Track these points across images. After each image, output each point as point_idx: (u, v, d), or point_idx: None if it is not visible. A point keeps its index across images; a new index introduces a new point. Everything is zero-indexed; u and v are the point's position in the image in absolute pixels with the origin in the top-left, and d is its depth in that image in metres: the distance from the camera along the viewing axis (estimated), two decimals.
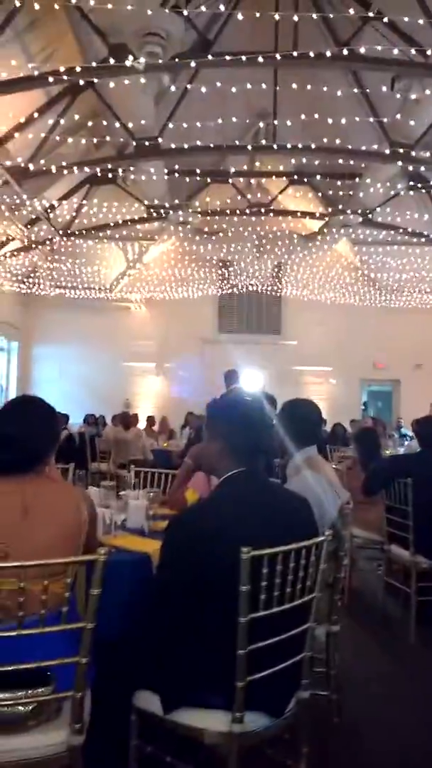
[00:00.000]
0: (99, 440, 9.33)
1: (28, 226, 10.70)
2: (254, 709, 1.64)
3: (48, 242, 11.69)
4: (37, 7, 5.74)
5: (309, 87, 6.92)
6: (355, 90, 7.81)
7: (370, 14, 6.30)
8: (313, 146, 8.09)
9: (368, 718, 2.66)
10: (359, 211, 9.94)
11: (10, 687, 1.57)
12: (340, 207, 10.18)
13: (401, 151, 7.82)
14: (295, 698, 1.77)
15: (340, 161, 8.50)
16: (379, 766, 2.33)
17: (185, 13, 6.09)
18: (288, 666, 1.70)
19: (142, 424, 10.63)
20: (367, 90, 7.90)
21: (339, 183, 9.56)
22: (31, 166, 8.19)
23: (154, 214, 10.50)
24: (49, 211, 10.71)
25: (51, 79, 6.40)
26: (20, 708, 1.58)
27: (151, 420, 11.40)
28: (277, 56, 5.83)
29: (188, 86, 7.76)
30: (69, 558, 1.67)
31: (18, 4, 5.81)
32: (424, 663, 3.30)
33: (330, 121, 7.31)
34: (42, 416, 1.96)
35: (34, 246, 11.54)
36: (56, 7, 6.00)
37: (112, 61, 6.28)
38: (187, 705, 1.68)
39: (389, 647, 3.51)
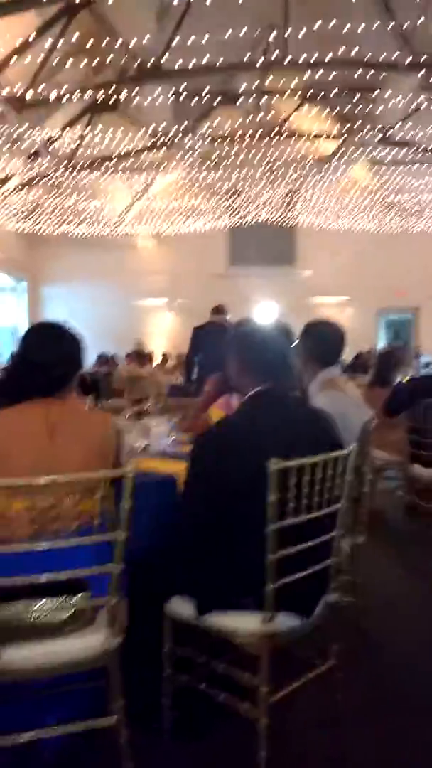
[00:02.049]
0: (113, 379, 9.37)
1: (29, 160, 10.35)
2: (284, 609, 1.70)
3: (50, 176, 11.33)
4: None
5: None
6: None
7: None
8: (327, 59, 7.60)
9: (390, 622, 2.79)
10: (377, 129, 9.45)
11: (47, 595, 1.64)
12: (357, 125, 9.68)
13: (423, 59, 7.34)
14: (323, 601, 1.83)
15: (357, 75, 7.99)
16: (401, 663, 2.45)
17: None
18: (316, 571, 1.74)
19: (156, 361, 10.64)
20: None
21: (355, 99, 9.05)
22: (28, 95, 7.83)
23: (159, 142, 10.09)
24: (49, 143, 10.32)
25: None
26: (58, 615, 1.65)
27: (165, 357, 11.42)
28: None
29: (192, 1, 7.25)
30: (98, 473, 1.69)
31: None
32: None
33: (345, 30, 6.84)
34: (68, 341, 1.94)
35: (35, 181, 11.22)
36: None
37: None
38: (219, 608, 1.74)
39: (410, 563, 3.62)
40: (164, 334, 14.00)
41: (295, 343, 2.68)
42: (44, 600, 1.63)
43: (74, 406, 1.97)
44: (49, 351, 1.89)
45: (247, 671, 1.73)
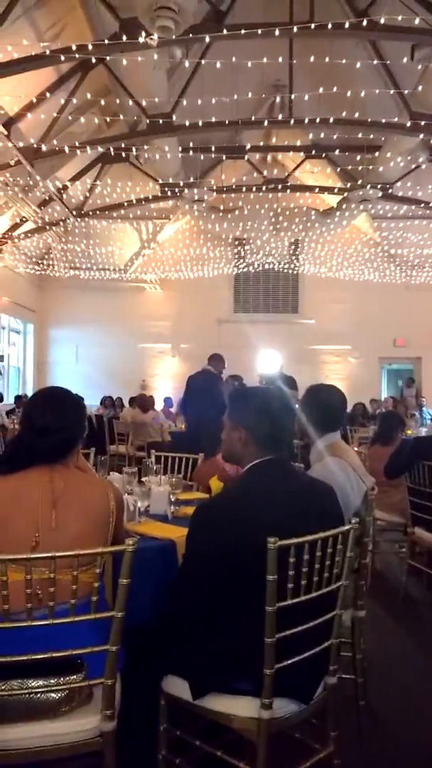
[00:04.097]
0: (117, 423, 9.40)
1: (42, 207, 10.66)
2: (282, 695, 1.66)
3: (61, 223, 11.66)
4: None
5: (327, 59, 6.71)
6: (374, 61, 7.57)
7: None
8: (330, 119, 7.89)
9: (394, 700, 2.68)
10: (378, 186, 9.73)
11: (43, 674, 1.61)
12: (359, 181, 9.97)
13: (422, 123, 7.60)
14: (323, 683, 1.79)
15: (359, 134, 8.29)
16: (406, 748, 2.35)
17: None
18: (316, 652, 1.71)
19: (159, 406, 10.67)
20: (387, 61, 7.65)
21: (358, 157, 9.34)
22: (43, 146, 8.13)
23: (168, 193, 10.38)
24: (61, 191, 10.65)
25: (63, 57, 6.31)
26: (53, 695, 1.62)
27: (168, 402, 11.45)
28: (294, 29, 5.65)
29: (202, 61, 7.59)
30: (99, 548, 1.69)
31: None
32: None
33: (348, 93, 7.12)
34: (73, 408, 1.98)
35: (47, 227, 11.52)
36: None
37: (124, 37, 6.16)
38: (215, 691, 1.70)
39: (413, 630, 3.52)
40: (168, 377, 14.08)
41: (297, 407, 2.69)
42: (39, 679, 1.60)
43: (77, 474, 1.98)
44: (53, 418, 1.92)
45: (243, 756, 1.68)
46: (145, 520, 2.57)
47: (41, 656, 1.57)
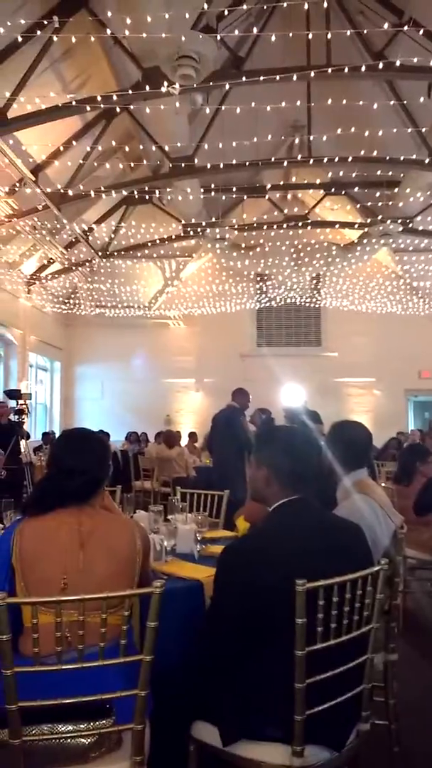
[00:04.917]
0: (142, 458, 9.42)
1: (68, 249, 10.99)
2: (314, 742, 1.63)
3: (87, 263, 11.98)
4: (73, 39, 5.97)
5: (344, 101, 6.88)
6: (392, 102, 7.74)
7: (405, 28, 6.24)
8: (349, 158, 8.04)
9: (429, 745, 2.58)
10: (399, 220, 9.82)
11: (72, 719, 1.61)
12: (379, 217, 10.08)
13: None
14: (356, 730, 1.74)
15: (378, 171, 8.42)
16: None
17: (218, 36, 6.15)
18: (347, 698, 1.67)
19: (184, 441, 10.69)
20: (404, 101, 7.82)
21: (377, 193, 9.47)
22: (69, 191, 8.43)
23: (191, 232, 10.62)
24: (87, 233, 10.98)
25: (88, 108, 6.60)
26: (82, 740, 1.61)
27: (193, 437, 11.46)
28: (311, 73, 5.84)
29: (222, 107, 7.85)
30: (127, 591, 1.69)
31: (54, 38, 6.03)
32: None
33: (366, 133, 7.27)
34: (98, 449, 2.02)
35: (74, 268, 11.85)
36: (92, 38, 6.23)
37: (147, 87, 6.42)
38: (245, 737, 1.68)
39: None
40: (192, 412, 14.13)
41: (323, 444, 2.68)
42: (69, 724, 1.60)
43: (104, 515, 2.01)
44: (81, 457, 1.97)
45: None
46: (171, 559, 2.57)
47: (71, 700, 1.56)
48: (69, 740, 1.60)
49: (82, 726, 1.60)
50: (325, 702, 1.61)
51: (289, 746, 1.60)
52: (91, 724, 1.60)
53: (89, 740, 1.61)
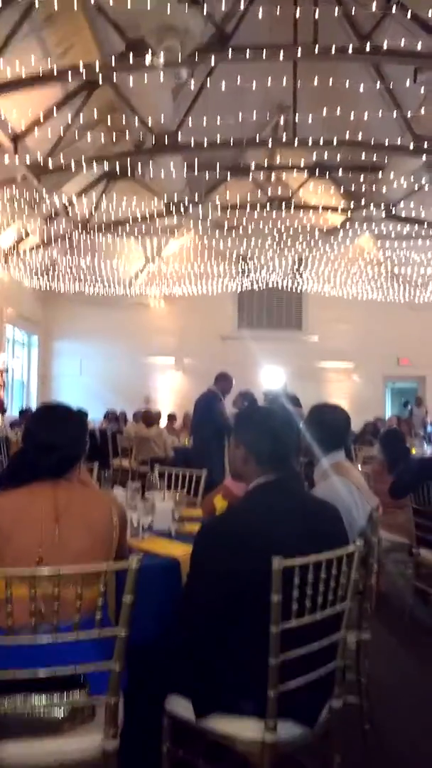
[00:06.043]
0: (120, 437, 9.37)
1: (47, 222, 10.77)
2: (287, 717, 1.65)
3: (67, 237, 11.77)
4: (55, 4, 5.77)
5: (330, 82, 6.81)
6: (378, 84, 7.68)
7: (393, 11, 6.17)
8: (334, 140, 7.99)
9: (399, 723, 2.65)
10: (382, 206, 9.82)
11: (45, 690, 1.61)
12: (363, 201, 10.06)
13: (425, 144, 7.69)
14: (328, 707, 1.77)
15: (363, 155, 8.39)
16: None
17: (204, 9, 6.01)
18: (321, 675, 1.70)
19: (163, 421, 10.65)
20: (390, 83, 7.77)
21: (361, 177, 9.44)
22: (49, 162, 8.23)
23: (173, 210, 10.49)
24: (67, 206, 10.76)
25: (70, 76, 6.42)
26: (55, 712, 1.62)
27: (172, 418, 11.43)
28: (298, 52, 5.75)
29: (207, 82, 7.71)
30: (103, 565, 1.68)
31: (36, 2, 5.83)
32: None
33: (352, 116, 7.22)
34: (74, 424, 1.99)
35: (52, 242, 11.63)
36: (75, 4, 6.03)
37: (130, 57, 6.27)
38: (219, 711, 1.69)
39: (419, 652, 3.48)
40: (172, 392, 14.10)
41: (301, 426, 2.69)
42: (42, 696, 1.59)
43: (80, 490, 1.99)
44: (56, 433, 1.94)
45: None
46: (148, 536, 2.56)
47: (45, 672, 1.56)
48: (42, 712, 1.60)
49: (55, 697, 1.60)
50: (299, 678, 1.63)
51: (262, 721, 1.62)
52: (65, 695, 1.60)
53: (62, 712, 1.61)
